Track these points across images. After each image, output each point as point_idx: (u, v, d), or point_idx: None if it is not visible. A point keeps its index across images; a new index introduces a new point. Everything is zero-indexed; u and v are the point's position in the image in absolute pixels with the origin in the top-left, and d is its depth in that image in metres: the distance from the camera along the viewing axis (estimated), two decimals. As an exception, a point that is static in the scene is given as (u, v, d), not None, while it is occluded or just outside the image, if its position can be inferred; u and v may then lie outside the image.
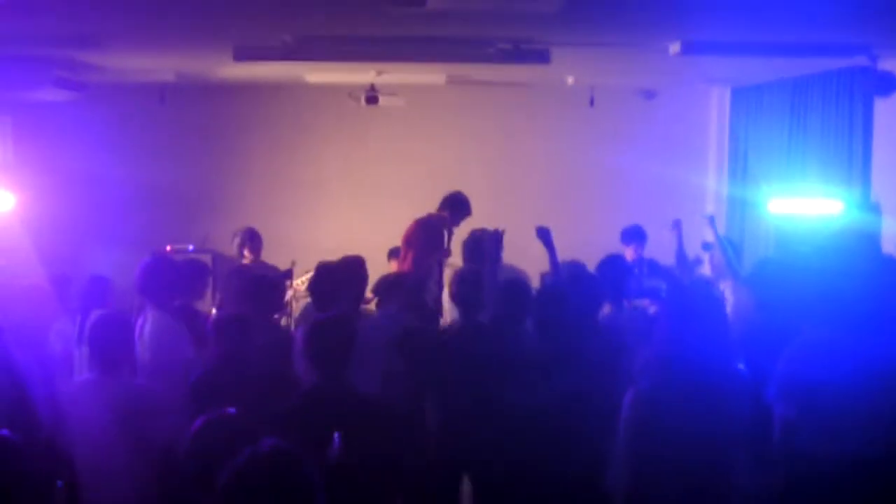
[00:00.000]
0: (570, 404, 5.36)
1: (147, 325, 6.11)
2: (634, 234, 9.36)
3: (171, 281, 6.44)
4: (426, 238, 8.67)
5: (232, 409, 3.88)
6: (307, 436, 4.70)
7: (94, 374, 5.20)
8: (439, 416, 6.11)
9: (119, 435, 5.01)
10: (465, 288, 6.30)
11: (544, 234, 7.43)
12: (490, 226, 7.83)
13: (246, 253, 9.11)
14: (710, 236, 8.41)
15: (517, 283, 6.57)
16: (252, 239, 9.14)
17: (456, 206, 8.93)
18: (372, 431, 4.79)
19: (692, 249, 8.99)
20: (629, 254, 9.20)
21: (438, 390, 6.10)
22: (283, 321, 8.78)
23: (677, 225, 8.84)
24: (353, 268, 6.60)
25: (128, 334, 5.44)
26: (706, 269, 8.18)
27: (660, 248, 9.30)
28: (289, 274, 9.16)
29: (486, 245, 7.56)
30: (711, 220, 8.40)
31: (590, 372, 5.45)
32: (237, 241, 9.16)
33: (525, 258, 7.98)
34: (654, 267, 8.40)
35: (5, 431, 3.71)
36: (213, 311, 7.62)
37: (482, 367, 5.83)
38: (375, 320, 6.79)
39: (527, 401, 5.46)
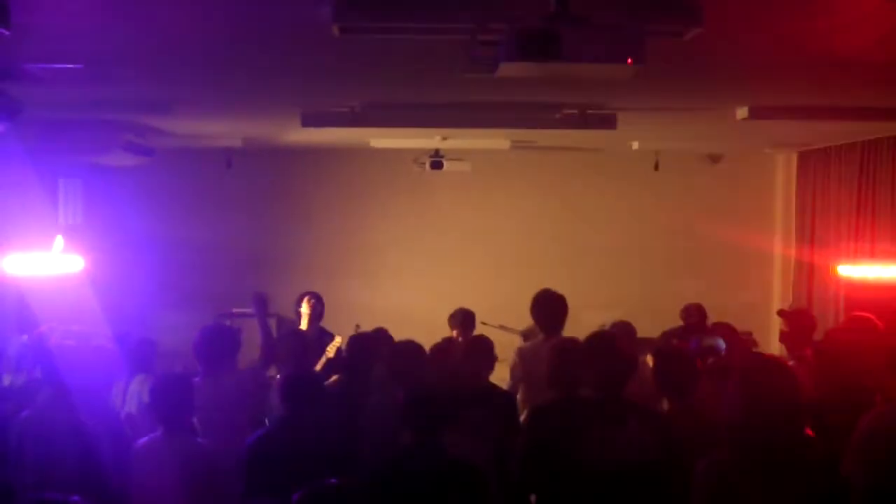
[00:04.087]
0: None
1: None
2: None
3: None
4: None
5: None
6: (394, 493, 4.76)
7: (158, 434, 5.23)
8: None
9: (185, 493, 5.04)
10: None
11: None
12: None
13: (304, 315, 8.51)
14: None
15: None
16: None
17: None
18: (460, 494, 4.84)
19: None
20: None
21: None
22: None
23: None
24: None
25: (187, 394, 5.45)
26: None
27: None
28: (331, 338, 8.73)
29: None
30: None
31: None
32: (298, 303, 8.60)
33: (580, 323, 7.67)
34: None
35: (76, 498, 3.72)
36: (276, 375, 7.51)
37: None
38: None
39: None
